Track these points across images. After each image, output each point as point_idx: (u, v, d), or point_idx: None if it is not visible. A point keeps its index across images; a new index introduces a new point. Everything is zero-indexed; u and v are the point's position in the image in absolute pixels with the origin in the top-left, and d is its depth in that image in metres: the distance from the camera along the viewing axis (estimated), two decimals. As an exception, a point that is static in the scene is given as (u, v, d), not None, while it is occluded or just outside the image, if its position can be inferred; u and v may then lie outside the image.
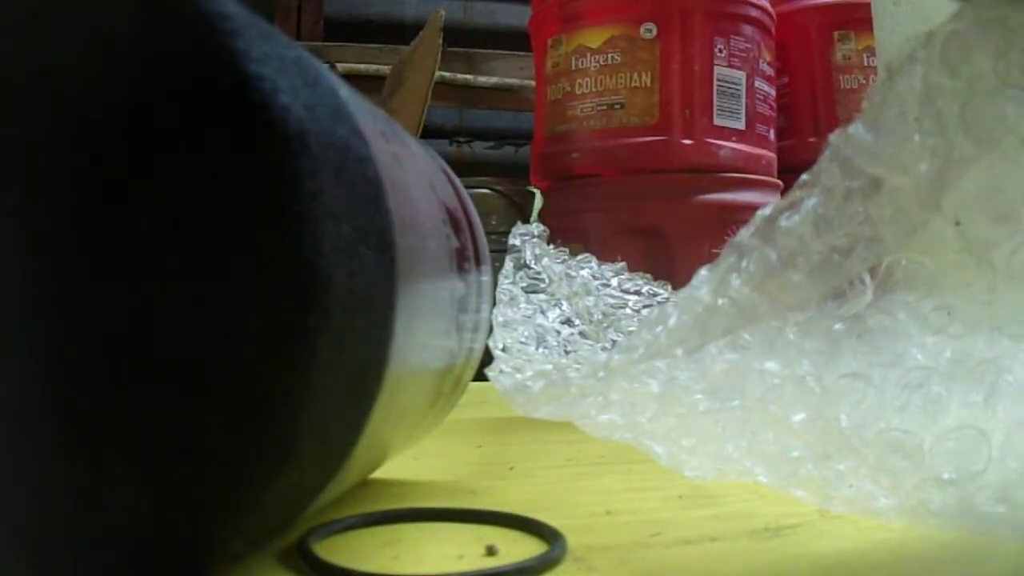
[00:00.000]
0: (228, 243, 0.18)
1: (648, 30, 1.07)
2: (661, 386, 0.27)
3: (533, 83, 1.28)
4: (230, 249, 0.18)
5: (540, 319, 0.52)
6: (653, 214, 1.07)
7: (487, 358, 0.40)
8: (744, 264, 0.25)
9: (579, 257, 0.59)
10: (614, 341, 0.53)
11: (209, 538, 0.19)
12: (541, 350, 0.49)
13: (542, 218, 1.21)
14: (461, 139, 1.96)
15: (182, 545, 0.19)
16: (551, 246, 0.57)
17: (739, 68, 1.10)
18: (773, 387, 0.27)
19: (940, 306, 0.26)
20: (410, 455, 0.40)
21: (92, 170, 0.19)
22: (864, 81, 1.27)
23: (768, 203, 0.26)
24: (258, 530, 0.20)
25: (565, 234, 0.76)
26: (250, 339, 0.18)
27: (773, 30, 1.17)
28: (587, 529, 0.30)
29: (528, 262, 0.55)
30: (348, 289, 0.19)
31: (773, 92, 1.18)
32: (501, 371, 0.41)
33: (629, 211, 1.08)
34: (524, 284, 0.54)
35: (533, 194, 1.36)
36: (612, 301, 0.58)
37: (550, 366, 0.47)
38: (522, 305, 0.52)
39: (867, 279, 0.25)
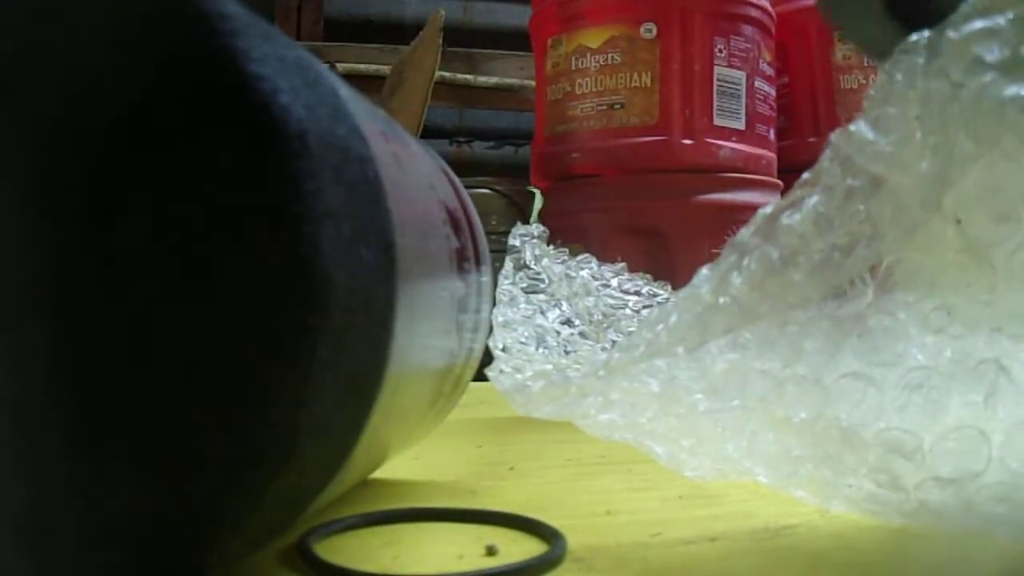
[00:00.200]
0: (228, 243, 0.18)
1: (648, 30, 1.07)
2: (661, 386, 0.27)
3: (533, 83, 1.28)
4: (230, 249, 0.18)
5: (540, 319, 0.52)
6: (653, 214, 1.07)
7: (487, 358, 0.40)
8: (745, 263, 0.25)
9: (579, 257, 0.59)
10: (614, 341, 0.53)
11: (209, 538, 0.19)
12: (541, 350, 0.49)
13: (542, 218, 1.21)
14: (461, 139, 1.96)
15: (182, 545, 0.19)
16: (551, 246, 0.57)
17: (739, 68, 1.10)
18: (773, 387, 0.27)
19: (940, 306, 0.26)
20: (410, 455, 0.40)
21: (92, 171, 0.19)
22: (864, 81, 1.27)
23: (768, 203, 0.26)
24: (258, 530, 0.20)
25: (565, 234, 0.76)
26: (249, 339, 0.18)
27: (773, 30, 1.17)
28: (587, 529, 0.30)
29: (528, 262, 0.55)
30: (348, 289, 0.19)
31: (773, 92, 1.18)
32: (501, 371, 0.41)
33: (629, 211, 1.08)
34: (524, 284, 0.54)
35: (533, 194, 1.36)
36: (612, 301, 0.58)
37: (550, 366, 0.47)
38: (522, 305, 0.52)
39: (867, 278, 0.25)
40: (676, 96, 1.07)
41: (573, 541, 0.27)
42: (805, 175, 0.25)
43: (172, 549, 0.19)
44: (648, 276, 0.60)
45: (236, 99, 0.18)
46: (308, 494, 0.23)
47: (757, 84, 1.12)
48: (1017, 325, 0.25)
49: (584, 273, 0.58)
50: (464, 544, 0.27)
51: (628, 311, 0.58)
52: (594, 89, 1.09)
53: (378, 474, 0.36)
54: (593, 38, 1.09)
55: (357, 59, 1.78)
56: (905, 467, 0.26)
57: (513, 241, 0.56)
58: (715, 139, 1.08)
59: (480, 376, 0.39)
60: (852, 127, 0.25)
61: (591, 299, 0.57)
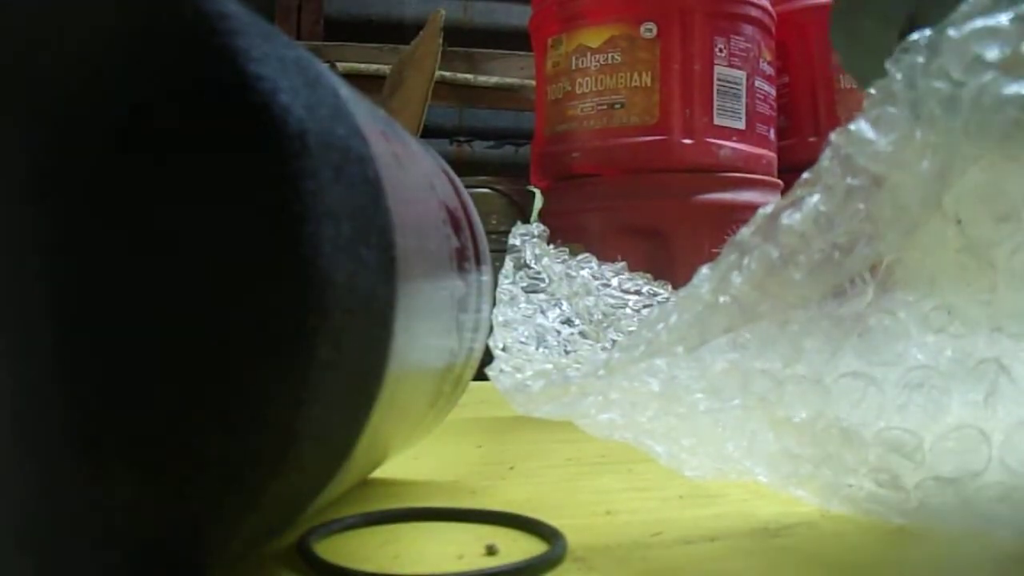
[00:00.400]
0: (227, 243, 0.18)
1: (648, 30, 1.07)
2: (661, 385, 0.27)
3: (533, 83, 1.28)
4: (229, 249, 0.18)
5: (540, 319, 0.52)
6: (653, 214, 1.07)
7: (487, 358, 0.40)
8: (745, 262, 0.25)
9: (579, 257, 0.59)
10: (614, 341, 0.53)
11: (209, 539, 0.19)
12: (541, 350, 0.49)
13: (542, 217, 1.21)
14: (461, 138, 1.96)
15: (182, 546, 0.19)
16: (551, 246, 0.57)
17: (739, 68, 1.10)
18: (773, 386, 0.27)
19: (940, 305, 0.26)
20: (410, 455, 0.40)
21: (89, 171, 0.19)
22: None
23: (769, 202, 0.26)
24: (258, 530, 0.20)
25: (565, 234, 0.76)
26: (249, 340, 0.18)
27: (773, 30, 1.17)
28: (587, 529, 0.30)
29: (528, 262, 0.55)
30: (348, 289, 0.19)
31: (773, 92, 1.18)
32: (501, 371, 0.41)
33: (629, 211, 1.08)
34: (524, 284, 0.54)
35: (533, 194, 1.36)
36: (612, 301, 0.58)
37: (550, 365, 0.47)
38: (522, 305, 0.52)
39: (868, 277, 0.25)
40: (676, 96, 1.07)
41: (573, 541, 0.27)
42: (805, 174, 0.25)
43: (172, 550, 0.19)
44: (648, 276, 0.60)
45: (236, 99, 0.18)
46: (308, 494, 0.23)
47: (757, 84, 1.13)
48: (1017, 324, 0.25)
49: (584, 272, 0.58)
50: (464, 544, 0.27)
51: (628, 310, 0.58)
52: (594, 89, 1.09)
53: (378, 474, 0.36)
54: (593, 38, 1.10)
55: (357, 59, 1.78)
56: (905, 467, 0.26)
57: (513, 240, 0.56)
58: (715, 139, 1.08)
59: (480, 376, 0.39)
60: (852, 126, 0.25)
61: (591, 298, 0.57)
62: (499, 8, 1.99)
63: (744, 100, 1.10)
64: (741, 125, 1.10)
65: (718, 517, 0.32)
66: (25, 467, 0.19)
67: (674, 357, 0.26)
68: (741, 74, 1.10)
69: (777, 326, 0.26)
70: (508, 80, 1.87)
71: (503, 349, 0.46)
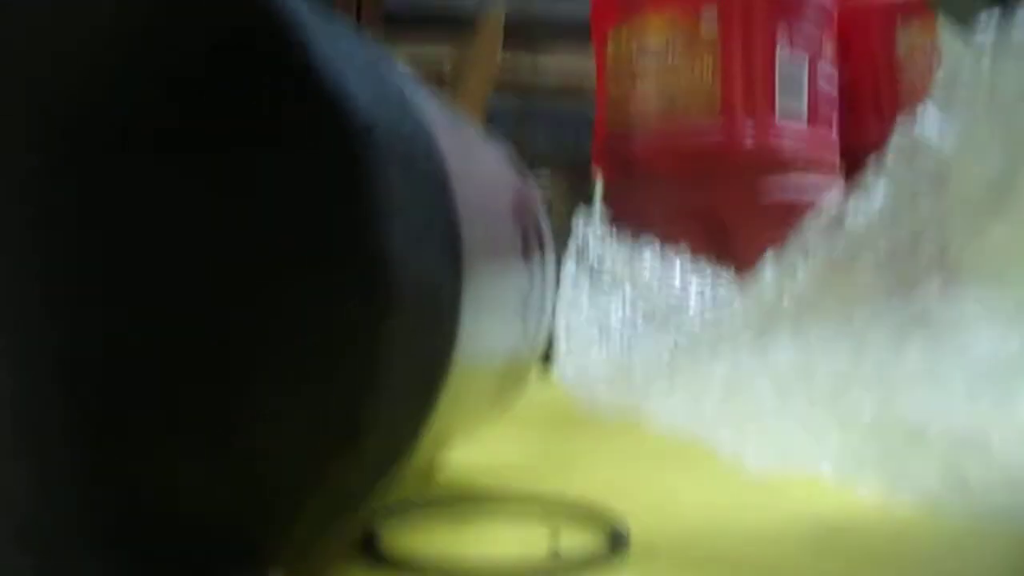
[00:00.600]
0: (294, 239, 0.19)
1: (709, 19, 1.06)
2: (725, 378, 0.27)
3: (594, 75, 1.28)
4: (296, 245, 0.19)
5: (603, 307, 0.52)
6: (715, 205, 1.06)
7: (549, 348, 0.40)
8: (809, 257, 0.25)
9: (642, 246, 0.59)
10: (677, 331, 0.53)
11: (274, 528, 0.20)
12: (604, 339, 0.49)
13: (604, 208, 1.21)
14: (523, 129, 1.96)
15: (247, 534, 0.19)
16: (613, 236, 0.57)
17: (802, 56, 1.09)
18: (838, 381, 0.26)
19: (1008, 298, 0.26)
20: (473, 444, 0.40)
21: (151, 162, 0.19)
22: (929, 71, 1.25)
23: (832, 195, 0.26)
24: (322, 519, 0.21)
25: (627, 224, 0.76)
26: (317, 336, 0.19)
27: (835, 17, 1.16)
28: (650, 518, 0.30)
29: (591, 251, 0.55)
30: (415, 285, 0.20)
31: (835, 82, 1.16)
32: (564, 361, 0.41)
33: (691, 202, 1.07)
34: (587, 273, 0.54)
35: (595, 184, 1.35)
36: (675, 291, 0.58)
37: (613, 355, 0.47)
38: (585, 293, 0.52)
39: (934, 271, 0.25)
40: (738, 86, 1.06)
41: (636, 530, 0.27)
42: (870, 168, 0.25)
43: (238, 538, 0.19)
44: (712, 267, 0.60)
45: (304, 91, 0.18)
46: (371, 485, 0.23)
47: (820, 72, 1.11)
48: (1087, 318, 0.25)
49: (647, 262, 0.58)
50: (527, 532, 0.28)
51: (691, 301, 0.57)
52: (655, 79, 1.08)
53: (442, 459, 0.37)
54: (653, 28, 1.09)
55: (418, 52, 1.78)
56: (972, 464, 0.26)
57: (576, 230, 0.56)
58: (778, 129, 1.07)
59: (544, 366, 0.39)
60: (916, 120, 0.24)
61: (654, 287, 0.57)
62: (560, 1, 1.99)
63: (807, 89, 1.09)
64: (804, 115, 1.08)
65: (780, 510, 0.32)
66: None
67: (738, 350, 0.26)
68: (803, 59, 1.09)
69: (842, 321, 0.26)
70: (569, 71, 1.86)
71: (566, 340, 0.46)
